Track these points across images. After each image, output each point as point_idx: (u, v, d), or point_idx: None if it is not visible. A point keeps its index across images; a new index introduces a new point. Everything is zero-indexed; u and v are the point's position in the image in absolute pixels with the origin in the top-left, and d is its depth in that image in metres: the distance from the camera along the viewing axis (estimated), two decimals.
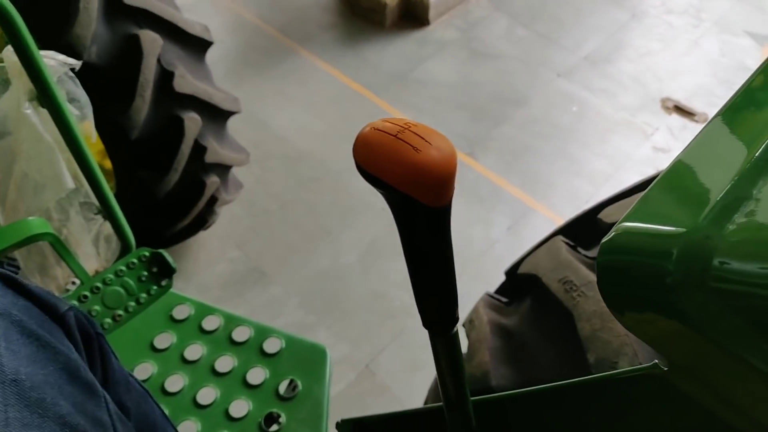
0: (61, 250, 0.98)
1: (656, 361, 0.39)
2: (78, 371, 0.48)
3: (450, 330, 0.46)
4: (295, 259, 2.44)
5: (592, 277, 0.80)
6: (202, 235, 2.38)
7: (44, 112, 0.98)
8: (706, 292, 0.33)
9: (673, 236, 0.35)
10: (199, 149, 1.83)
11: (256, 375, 1.16)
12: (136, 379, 0.68)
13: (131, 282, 1.07)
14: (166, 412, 1.10)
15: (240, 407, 1.12)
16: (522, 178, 2.74)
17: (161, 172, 1.81)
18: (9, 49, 0.91)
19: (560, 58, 3.24)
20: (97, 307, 1.03)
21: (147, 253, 1.11)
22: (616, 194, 1.00)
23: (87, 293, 1.03)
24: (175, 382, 1.13)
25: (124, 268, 1.07)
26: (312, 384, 1.15)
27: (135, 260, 1.09)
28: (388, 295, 2.34)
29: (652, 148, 2.87)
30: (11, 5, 0.83)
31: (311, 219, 2.56)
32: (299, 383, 1.15)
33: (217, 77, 2.12)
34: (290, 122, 2.94)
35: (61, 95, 0.97)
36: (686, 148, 0.43)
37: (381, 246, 2.47)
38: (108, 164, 1.97)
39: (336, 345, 2.20)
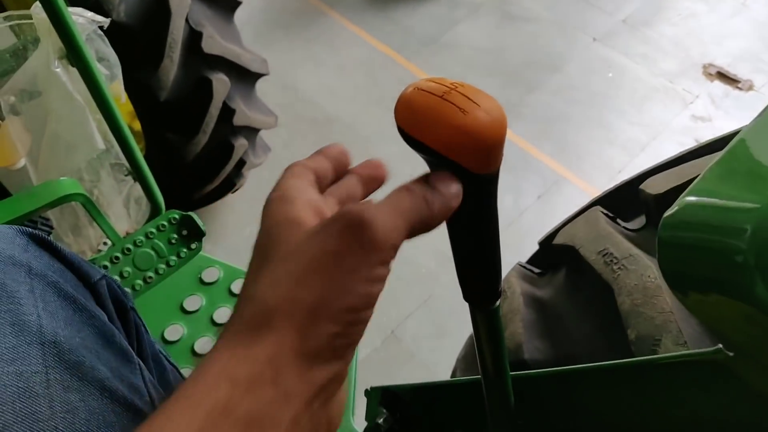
0: (93, 211, 0.97)
1: (720, 345, 0.37)
2: (114, 337, 0.47)
3: (492, 304, 0.44)
4: None
5: (634, 250, 0.77)
6: (230, 198, 2.38)
7: (74, 71, 0.97)
8: None
9: (746, 211, 0.32)
10: (227, 111, 1.81)
11: None
12: (166, 356, 0.68)
13: (161, 244, 1.07)
14: None
15: None
16: (554, 145, 2.67)
17: (190, 135, 1.79)
18: (37, 6, 0.90)
19: (597, 21, 3.12)
20: (128, 269, 1.03)
21: (177, 216, 1.10)
22: (659, 164, 0.95)
23: (118, 254, 1.03)
24: (204, 344, 1.14)
25: (154, 230, 1.07)
26: None
27: (165, 222, 1.08)
28: (416, 262, 2.32)
29: (691, 116, 2.77)
30: None
31: None
32: None
33: (246, 39, 2.08)
34: (319, 85, 2.90)
35: (90, 54, 0.95)
36: (757, 118, 0.39)
37: None
38: (137, 126, 1.96)
39: None
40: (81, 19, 0.95)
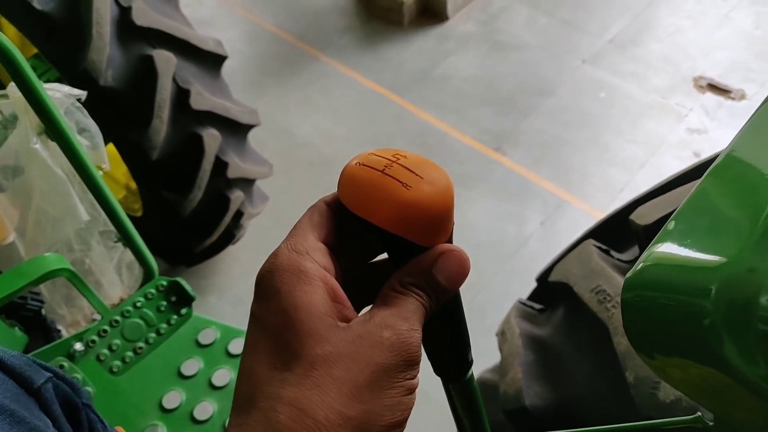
0: (79, 285, 0.96)
1: (699, 413, 0.34)
2: None
3: (463, 376, 0.42)
4: None
5: None
6: (232, 249, 2.38)
7: (54, 145, 0.97)
8: (751, 336, 0.28)
9: (710, 269, 0.30)
10: (220, 165, 1.82)
11: None
12: None
13: (150, 313, 1.05)
14: None
15: None
16: (553, 170, 2.66)
17: (185, 191, 1.80)
18: (13, 85, 0.90)
19: (585, 43, 3.14)
20: (117, 341, 1.01)
21: (165, 282, 1.09)
22: (648, 191, 0.94)
23: (107, 327, 1.01)
24: (204, 410, 1.11)
25: (142, 299, 1.05)
26: None
27: (153, 290, 1.07)
28: None
29: (687, 129, 2.76)
30: (9, 42, 0.82)
31: None
32: None
33: (237, 88, 2.10)
34: (314, 129, 2.92)
35: (69, 127, 0.96)
36: (723, 152, 0.37)
37: None
38: (135, 185, 1.98)
39: None
40: (58, 94, 0.96)
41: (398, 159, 0.37)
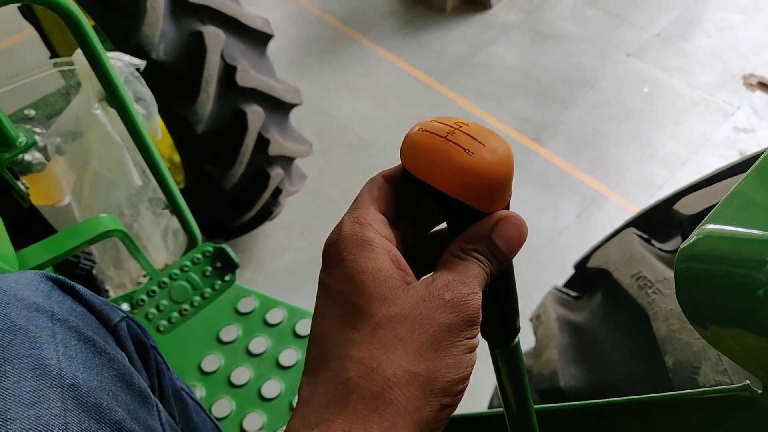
0: (131, 246, 1.01)
1: (747, 381, 0.35)
2: (132, 379, 0.49)
3: (510, 342, 0.44)
4: None
5: (669, 273, 0.75)
6: (268, 226, 2.42)
7: (113, 111, 1.01)
8: None
9: (765, 241, 0.32)
10: (262, 142, 1.86)
11: None
12: (188, 392, 0.69)
13: (196, 277, 1.09)
14: (233, 405, 1.12)
15: None
16: (591, 163, 2.64)
17: (227, 166, 1.84)
18: (79, 53, 0.94)
19: (630, 36, 3.09)
20: (164, 302, 1.05)
21: (211, 249, 1.13)
22: (693, 183, 0.93)
23: (155, 288, 1.06)
24: (240, 375, 1.15)
25: (189, 263, 1.09)
26: None
27: (199, 255, 1.11)
28: None
29: (733, 128, 2.70)
30: (79, 11, 0.85)
31: None
32: None
33: (280, 68, 2.13)
34: (353, 111, 2.94)
35: (127, 95, 0.99)
36: None
37: None
38: (177, 158, 2.03)
39: None
40: (119, 62, 0.99)
41: (460, 126, 0.38)
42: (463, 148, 0.37)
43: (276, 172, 1.96)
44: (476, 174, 0.36)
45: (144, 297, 1.05)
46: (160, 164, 1.11)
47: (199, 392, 1.13)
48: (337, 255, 0.37)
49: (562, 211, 2.50)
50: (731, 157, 2.60)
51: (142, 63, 1.03)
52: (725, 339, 0.33)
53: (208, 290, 1.09)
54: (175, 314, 1.06)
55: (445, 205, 0.39)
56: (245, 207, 2.02)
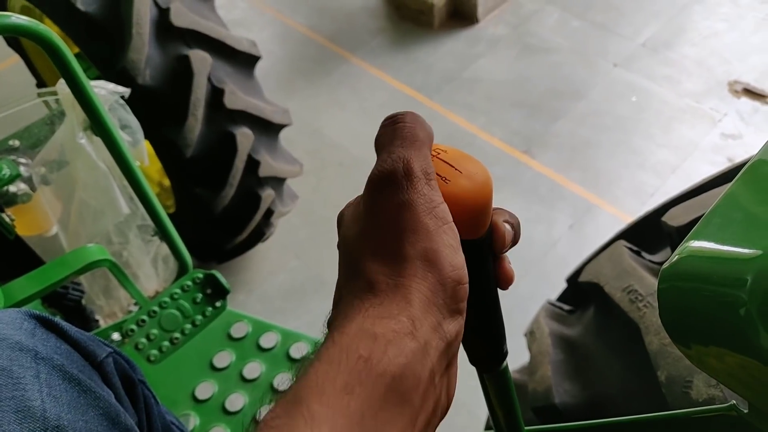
0: (119, 275, 1.00)
1: (733, 401, 0.35)
2: (118, 417, 0.48)
3: (498, 366, 0.43)
4: None
5: None
6: (261, 247, 2.41)
7: (98, 140, 1.00)
8: None
9: (745, 260, 0.31)
10: (252, 164, 1.85)
11: None
12: (179, 426, 0.68)
13: (186, 304, 1.08)
14: None
15: None
16: (582, 173, 2.64)
17: (217, 188, 1.84)
18: (62, 82, 0.94)
19: (617, 47, 3.12)
20: (155, 331, 1.04)
21: (201, 275, 1.12)
22: (681, 193, 0.94)
23: (145, 317, 1.05)
24: (235, 401, 1.14)
25: (179, 290, 1.08)
26: None
27: (190, 282, 1.10)
28: None
29: (721, 134, 2.71)
30: (61, 41, 0.85)
31: None
32: None
33: (269, 88, 2.14)
34: (344, 129, 2.95)
35: (112, 123, 0.99)
36: (756, 155, 0.38)
37: None
38: (167, 182, 2.02)
39: None
40: (103, 91, 0.99)
41: (438, 153, 0.38)
42: (440, 176, 0.37)
43: (267, 194, 1.96)
44: (455, 203, 0.36)
45: (134, 327, 1.04)
46: (147, 191, 1.10)
47: (194, 421, 1.11)
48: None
49: (555, 222, 2.50)
50: (720, 164, 2.61)
51: (126, 91, 1.03)
52: (708, 357, 0.33)
53: (199, 317, 1.08)
54: (166, 343, 1.05)
55: None
56: (237, 229, 2.01)
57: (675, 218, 0.80)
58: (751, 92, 2.80)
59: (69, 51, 0.88)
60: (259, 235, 2.14)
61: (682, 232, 0.78)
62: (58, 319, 0.50)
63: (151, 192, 1.12)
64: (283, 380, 1.16)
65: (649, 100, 2.87)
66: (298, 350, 1.20)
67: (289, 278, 2.45)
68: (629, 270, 0.80)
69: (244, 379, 1.17)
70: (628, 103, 2.87)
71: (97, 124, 0.99)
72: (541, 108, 2.90)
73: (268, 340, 1.22)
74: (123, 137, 1.03)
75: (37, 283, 0.91)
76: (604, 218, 2.48)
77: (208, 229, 2.02)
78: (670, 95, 2.87)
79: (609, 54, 3.08)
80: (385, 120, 0.40)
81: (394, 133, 0.38)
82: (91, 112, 0.97)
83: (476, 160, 0.39)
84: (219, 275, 1.11)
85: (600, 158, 2.69)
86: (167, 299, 1.07)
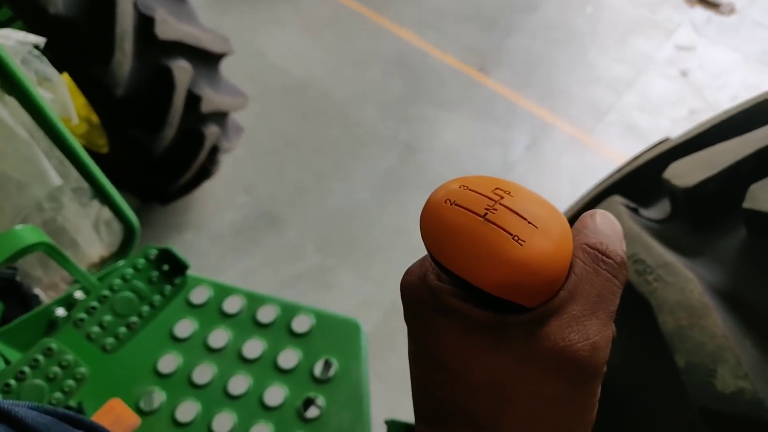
0: (58, 258, 0.87)
1: None
2: None
3: None
4: (307, 199, 2.33)
5: (668, 256, 0.69)
6: (206, 183, 2.27)
7: (11, 100, 0.85)
8: None
9: None
10: (193, 100, 1.68)
11: (288, 358, 1.08)
12: None
13: (141, 285, 0.97)
14: (198, 407, 1.03)
15: (275, 395, 1.05)
16: (538, 91, 2.57)
17: (155, 129, 1.67)
18: None
19: None
20: (108, 317, 0.93)
21: (155, 251, 1.00)
22: (677, 142, 0.87)
23: (95, 304, 0.93)
24: (203, 373, 1.06)
25: (131, 270, 0.96)
26: (348, 362, 1.08)
27: (142, 260, 0.98)
28: (409, 228, 2.25)
29: (675, 47, 2.67)
30: None
31: (319, 155, 2.43)
32: (335, 362, 1.07)
33: (200, 7, 1.91)
34: (286, 50, 2.74)
35: (27, 79, 0.83)
36: None
37: (396, 177, 2.35)
38: (96, 118, 1.82)
39: (359, 286, 2.13)
40: (10, 41, 0.82)
41: (501, 197, 0.29)
42: (511, 235, 0.27)
43: (211, 131, 1.80)
44: (532, 272, 0.27)
45: (83, 315, 0.93)
46: (78, 152, 0.96)
47: (159, 397, 1.03)
48: None
49: (511, 143, 2.44)
50: (673, 77, 2.58)
51: (40, 40, 0.86)
52: None
53: (157, 297, 0.98)
54: (123, 329, 0.94)
55: (486, 299, 0.30)
56: (180, 171, 1.86)
57: (679, 177, 0.74)
58: (705, 1, 2.74)
59: None
60: (204, 174, 2.00)
61: (691, 194, 0.71)
62: (9, 404, 0.39)
63: (84, 153, 0.97)
64: (252, 348, 1.09)
65: (603, 10, 2.78)
66: (265, 314, 1.12)
67: (239, 214, 2.33)
68: (631, 235, 0.74)
69: (209, 349, 1.09)
70: (582, 14, 2.77)
71: (8, 83, 0.83)
72: (494, 22, 2.77)
73: (232, 305, 1.13)
74: (43, 94, 0.87)
75: None
76: (560, 137, 2.44)
77: (148, 171, 1.86)
78: (624, 5, 2.78)
79: None
80: None
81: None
82: (0, 69, 0.81)
83: (548, 204, 0.30)
84: (175, 250, 0.99)
85: (555, 75, 2.62)
86: (119, 281, 0.95)
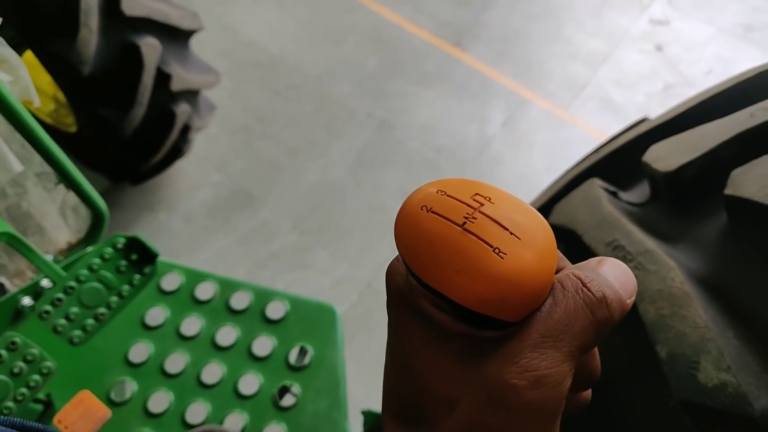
0: (22, 248, 0.83)
1: None
2: None
3: None
4: (281, 177, 2.29)
5: (649, 243, 0.68)
6: (178, 162, 2.22)
7: None
8: None
9: None
10: (162, 78, 1.63)
11: (263, 345, 1.07)
12: None
13: (109, 275, 0.93)
14: (171, 396, 1.02)
15: (250, 383, 1.04)
16: (514, 66, 2.55)
17: (124, 108, 1.61)
18: None
19: None
20: (75, 309, 0.90)
21: (123, 239, 0.96)
22: (655, 123, 0.86)
23: (61, 295, 0.90)
24: (175, 362, 1.04)
25: (98, 260, 0.93)
26: (324, 348, 1.07)
27: (110, 249, 0.94)
28: (385, 207, 2.23)
29: (649, 20, 2.66)
30: None
31: (294, 132, 2.39)
32: (310, 349, 1.06)
33: None
34: (258, 24, 2.67)
35: None
36: None
37: (371, 155, 2.32)
38: (62, 96, 1.76)
39: (335, 265, 2.12)
40: None
41: (482, 204, 0.27)
42: (492, 247, 0.26)
43: (182, 109, 1.75)
44: (514, 288, 0.25)
45: (48, 307, 0.89)
46: (41, 137, 0.91)
47: (130, 387, 1.01)
48: None
49: (488, 119, 2.43)
50: (648, 51, 2.58)
51: None
52: None
53: (126, 287, 0.94)
54: (90, 321, 0.91)
55: (465, 314, 0.28)
56: (150, 150, 1.81)
57: (659, 161, 0.73)
58: None
59: None
60: (176, 153, 1.95)
61: (672, 178, 0.71)
62: None
63: (47, 137, 0.93)
64: (225, 335, 1.07)
65: None
66: (238, 301, 1.10)
67: (213, 193, 2.29)
68: (611, 220, 0.73)
69: (182, 337, 1.06)
70: None
71: None
72: None
73: (204, 291, 1.10)
74: (1, 77, 0.83)
75: None
76: (537, 113, 2.43)
77: (118, 151, 1.81)
78: None
79: None
80: None
81: None
82: None
83: (532, 211, 0.28)
84: (143, 238, 0.96)
85: (531, 49, 2.59)
86: (85, 271, 0.92)
